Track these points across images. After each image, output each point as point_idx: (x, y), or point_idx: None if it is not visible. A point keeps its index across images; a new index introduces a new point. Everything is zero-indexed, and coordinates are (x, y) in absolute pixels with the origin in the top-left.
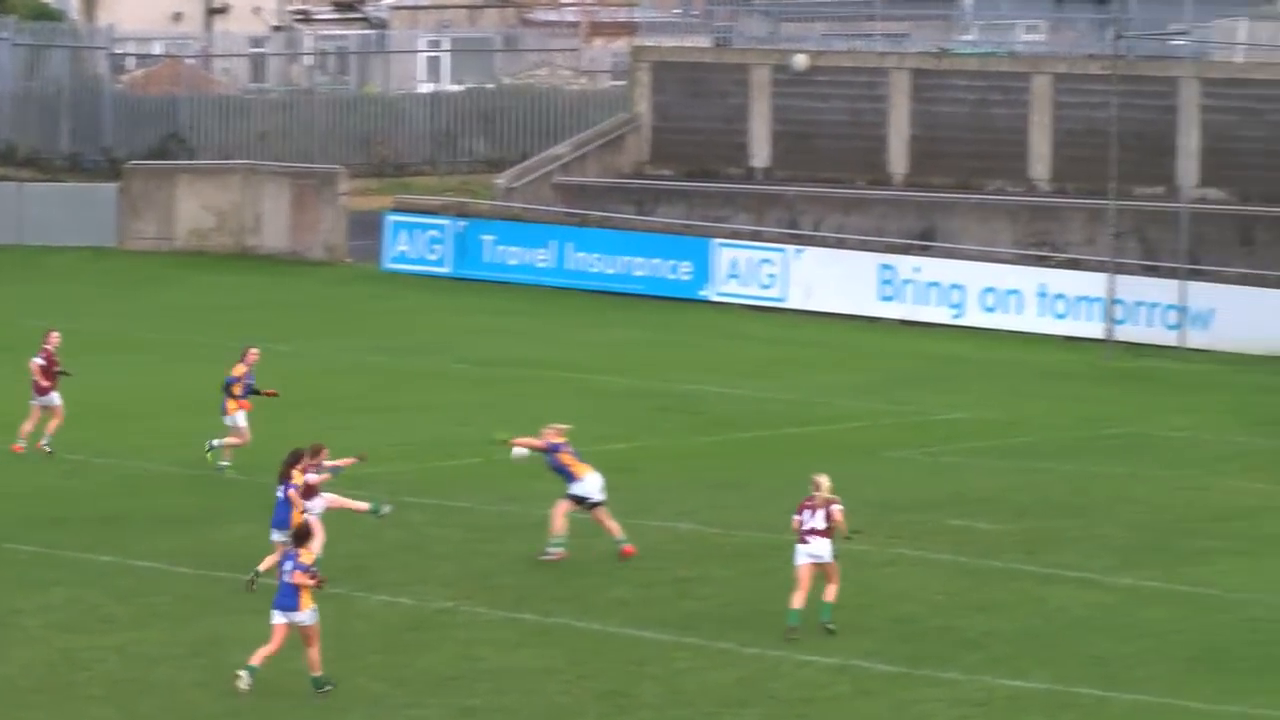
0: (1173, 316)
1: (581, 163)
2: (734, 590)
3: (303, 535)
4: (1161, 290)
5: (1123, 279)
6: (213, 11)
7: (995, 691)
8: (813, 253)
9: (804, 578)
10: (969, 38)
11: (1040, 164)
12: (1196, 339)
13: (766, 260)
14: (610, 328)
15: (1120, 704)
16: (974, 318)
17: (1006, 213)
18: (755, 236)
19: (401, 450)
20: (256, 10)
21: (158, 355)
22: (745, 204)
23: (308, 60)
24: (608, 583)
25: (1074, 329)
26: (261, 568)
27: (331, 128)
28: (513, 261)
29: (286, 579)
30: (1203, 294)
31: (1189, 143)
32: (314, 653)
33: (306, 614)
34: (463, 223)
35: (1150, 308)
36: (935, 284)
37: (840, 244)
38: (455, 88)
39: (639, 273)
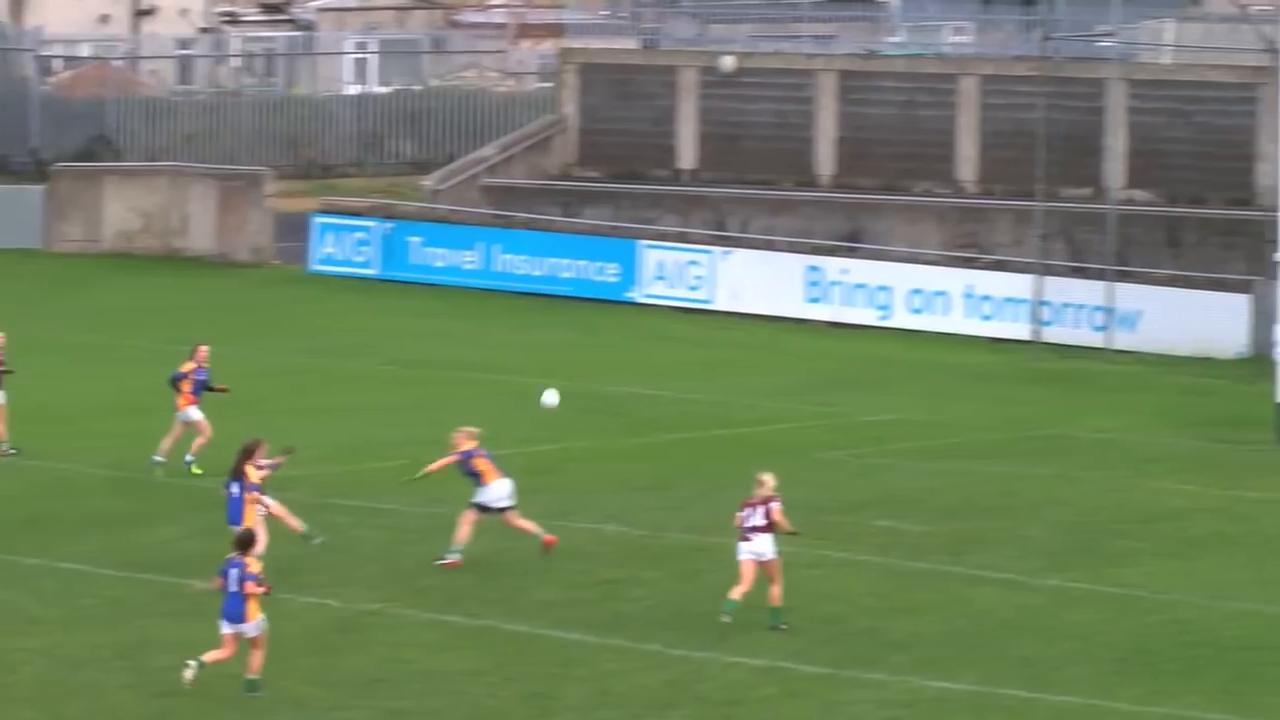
0: (1099, 318)
1: (508, 164)
2: (661, 592)
3: (247, 542)
4: (1088, 292)
5: (1050, 280)
6: (140, 14)
7: (922, 693)
8: (740, 254)
9: (747, 574)
10: (896, 39)
11: (967, 165)
12: (1123, 340)
13: (694, 262)
14: (537, 329)
15: (1048, 705)
16: (901, 319)
17: (934, 214)
18: (682, 238)
19: (328, 452)
20: (184, 12)
21: (85, 358)
22: (672, 205)
23: (235, 62)
24: (535, 584)
25: (1001, 330)
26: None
27: (258, 129)
28: (439, 263)
29: (234, 588)
30: (1130, 295)
31: (1116, 144)
32: (257, 657)
33: (253, 625)
34: (389, 224)
35: (1077, 309)
36: (862, 285)
37: (768, 246)
38: (382, 89)
39: (566, 274)
